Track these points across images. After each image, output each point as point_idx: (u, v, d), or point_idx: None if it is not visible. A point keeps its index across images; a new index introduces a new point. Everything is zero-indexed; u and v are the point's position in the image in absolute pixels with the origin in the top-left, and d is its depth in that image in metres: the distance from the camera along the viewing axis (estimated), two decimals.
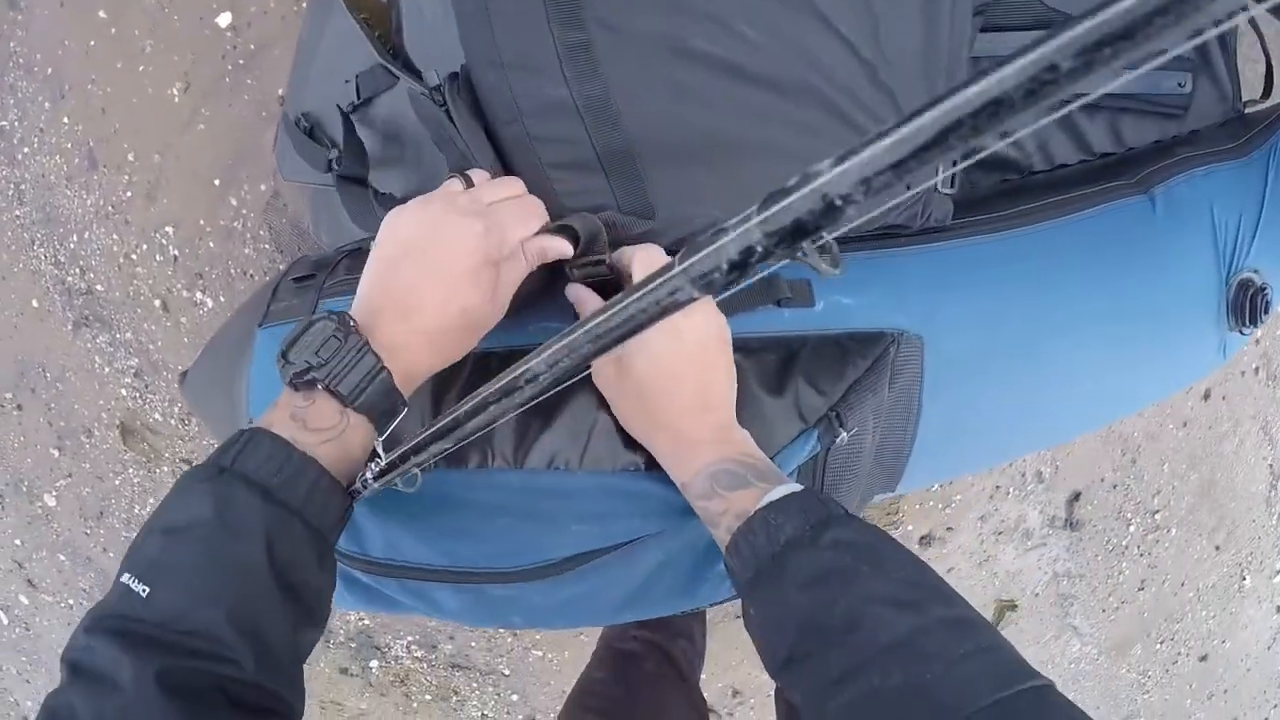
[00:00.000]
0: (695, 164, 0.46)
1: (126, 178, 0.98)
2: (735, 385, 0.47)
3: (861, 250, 0.57)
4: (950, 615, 0.35)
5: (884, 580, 0.36)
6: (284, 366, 0.41)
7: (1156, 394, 0.76)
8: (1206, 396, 1.15)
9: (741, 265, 0.22)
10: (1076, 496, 1.21)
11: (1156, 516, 1.26)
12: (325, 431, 0.40)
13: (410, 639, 1.27)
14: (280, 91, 0.90)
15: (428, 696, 1.33)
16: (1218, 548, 1.31)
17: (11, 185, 1.04)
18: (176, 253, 0.99)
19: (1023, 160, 0.72)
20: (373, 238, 0.47)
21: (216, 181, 0.95)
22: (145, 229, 0.99)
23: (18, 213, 1.05)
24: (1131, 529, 1.26)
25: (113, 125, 0.96)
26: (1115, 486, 1.21)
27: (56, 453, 1.19)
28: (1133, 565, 1.30)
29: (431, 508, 0.49)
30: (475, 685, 1.31)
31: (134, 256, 1.01)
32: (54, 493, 1.23)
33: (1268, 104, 0.71)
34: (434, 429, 0.38)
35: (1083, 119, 0.72)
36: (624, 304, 0.27)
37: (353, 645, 1.29)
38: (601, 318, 0.28)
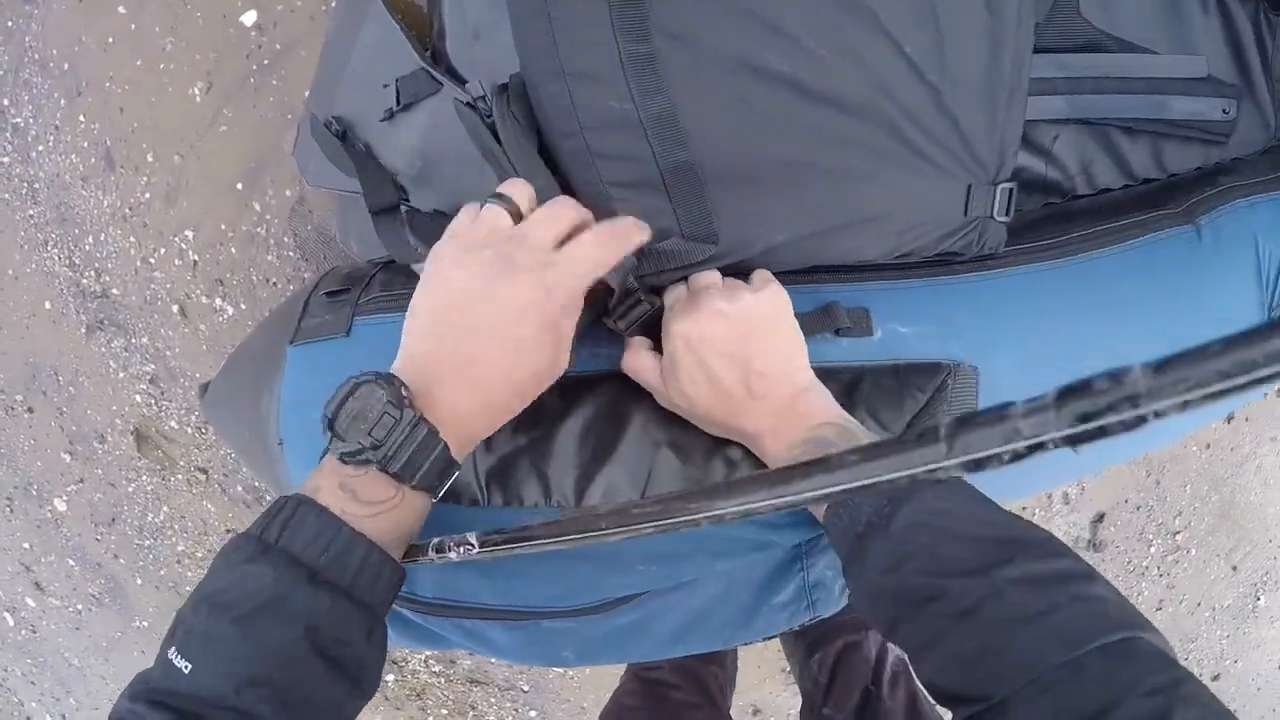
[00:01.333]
0: (759, 185, 0.45)
1: (145, 179, 0.96)
2: (797, 360, 0.46)
3: (917, 278, 0.56)
4: (1023, 574, 0.35)
5: (956, 548, 0.37)
6: (333, 440, 0.39)
7: (1195, 424, 0.75)
8: (1230, 419, 1.15)
9: (1024, 457, 0.21)
10: (1101, 518, 1.20)
11: (1177, 537, 1.25)
12: (378, 505, 0.39)
13: (429, 653, 1.26)
14: (306, 93, 0.89)
15: (444, 711, 1.32)
16: (1234, 568, 1.31)
17: (25, 184, 1.02)
18: (196, 258, 0.98)
19: (1066, 183, 0.71)
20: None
21: (239, 185, 0.93)
22: (164, 232, 0.97)
23: (31, 212, 1.03)
24: (1152, 550, 1.26)
25: (131, 125, 0.94)
26: (1139, 508, 1.21)
27: (68, 457, 1.18)
28: (1152, 586, 1.30)
29: None
30: (493, 701, 1.30)
31: (152, 260, 0.99)
32: (64, 497, 1.22)
33: None
34: (502, 538, 0.38)
35: (1125, 142, 0.71)
36: (870, 460, 0.26)
37: None
38: (840, 468, 0.27)
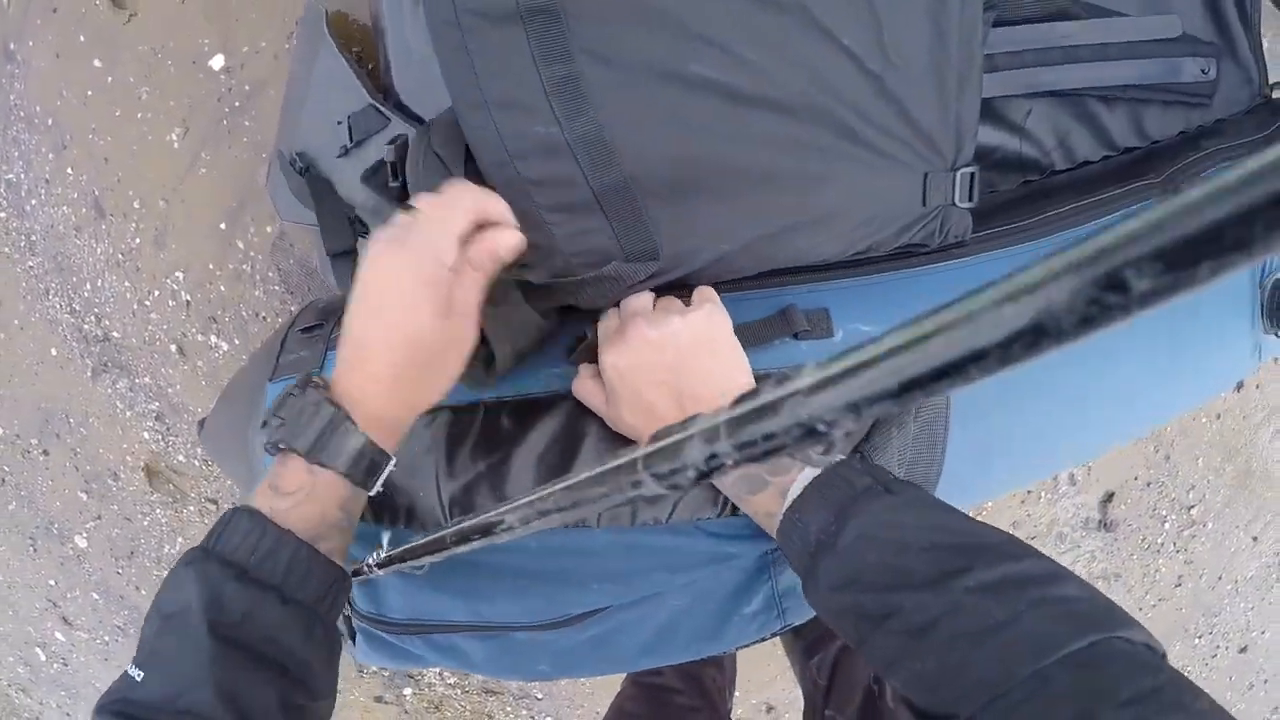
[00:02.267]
0: (699, 196, 0.44)
1: (134, 225, 0.98)
2: (732, 373, 0.45)
3: (879, 273, 0.55)
4: (980, 582, 0.34)
5: (909, 560, 0.36)
6: (260, 433, 0.41)
7: (1193, 402, 0.73)
8: (1240, 387, 1.11)
9: (707, 474, 0.20)
10: (1110, 497, 1.17)
11: (1192, 512, 1.22)
12: (295, 495, 0.40)
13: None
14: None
15: None
16: (1255, 539, 1.27)
17: (23, 237, 1.05)
18: (189, 298, 0.99)
19: (1043, 159, 0.69)
20: None
21: (222, 225, 0.95)
22: (156, 275, 0.99)
23: (31, 263, 1.06)
24: (1167, 526, 1.23)
25: (116, 174, 0.96)
26: (1149, 484, 1.18)
27: (85, 495, 1.21)
28: (1169, 562, 1.27)
29: (448, 570, 0.48)
30: (509, 710, 1.31)
31: (147, 303, 1.01)
32: (84, 534, 1.25)
33: None
34: (424, 542, 0.39)
35: (1103, 111, 0.68)
36: (581, 480, 0.26)
37: (385, 674, 1.29)
38: (560, 486, 0.27)
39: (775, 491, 0.42)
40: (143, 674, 0.36)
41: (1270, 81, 0.67)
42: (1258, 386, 1.10)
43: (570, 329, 0.51)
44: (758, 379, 0.48)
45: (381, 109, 0.59)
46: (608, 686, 1.24)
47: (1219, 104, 0.68)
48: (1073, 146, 0.69)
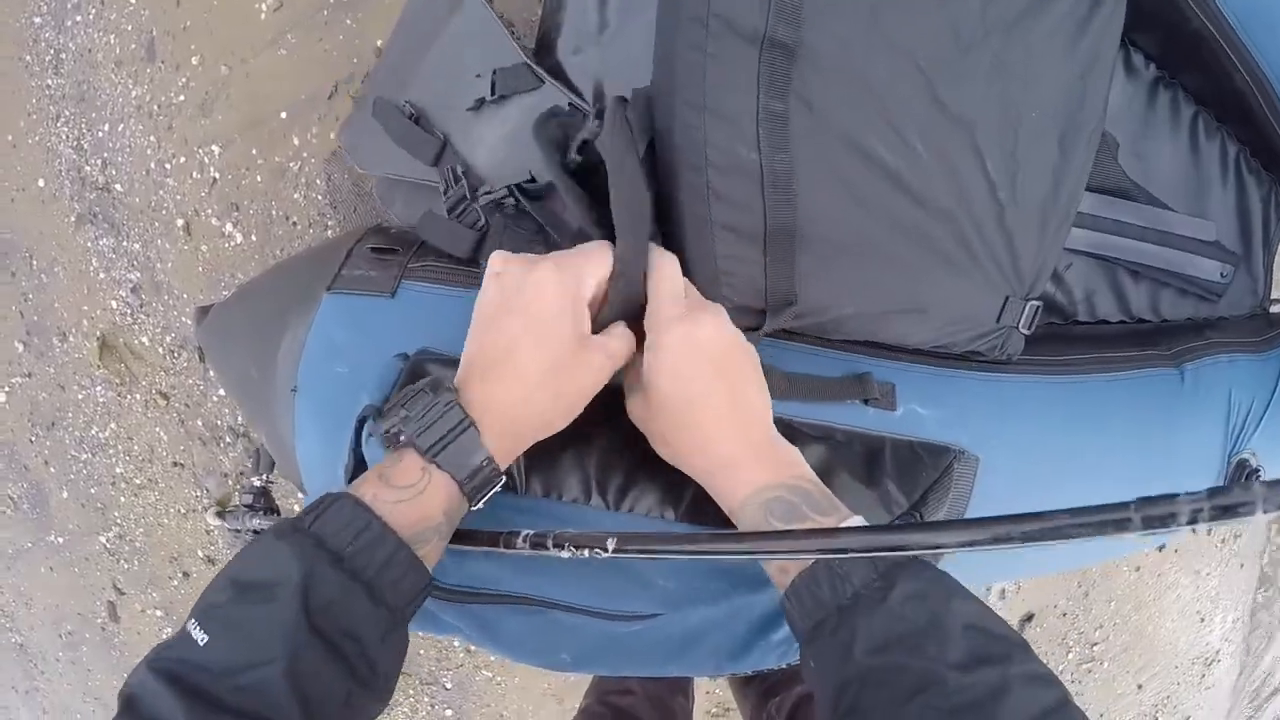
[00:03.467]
0: (842, 259, 0.49)
1: (184, 80, 0.92)
2: (769, 400, 0.46)
3: (941, 367, 0.61)
4: (1026, 671, 0.34)
5: (957, 637, 0.35)
6: (378, 422, 0.41)
7: (1123, 550, 0.82)
8: (1161, 548, 1.25)
9: (1187, 525, 0.26)
10: (1030, 618, 1.28)
11: (1095, 649, 1.34)
12: (406, 489, 0.40)
13: None
14: (379, 43, 0.88)
15: None
16: (1140, 686, 1.41)
17: (51, 51, 0.97)
18: (217, 175, 0.95)
19: (1069, 308, 0.77)
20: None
21: (283, 114, 0.91)
22: (189, 140, 0.94)
23: (50, 82, 0.98)
24: (1070, 656, 1.34)
25: (184, 20, 0.90)
26: (1065, 615, 1.29)
27: (20, 347, 1.12)
28: None
29: None
30: (411, 693, 1.28)
31: (168, 166, 0.96)
32: (6, 388, 1.15)
33: None
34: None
35: (1129, 283, 0.78)
36: (1062, 522, 0.30)
37: None
38: (1042, 523, 0.30)
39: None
40: (207, 638, 0.34)
41: (1271, 297, 0.78)
42: (1176, 550, 1.23)
43: None
44: (817, 430, 0.52)
45: (537, 70, 0.59)
46: (520, 692, 1.23)
47: (1224, 304, 0.78)
48: (1096, 305, 0.78)
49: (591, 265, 0.44)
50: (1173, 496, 0.26)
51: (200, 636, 0.34)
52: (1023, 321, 0.60)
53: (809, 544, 0.34)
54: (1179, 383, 0.70)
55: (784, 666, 0.52)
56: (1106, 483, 0.69)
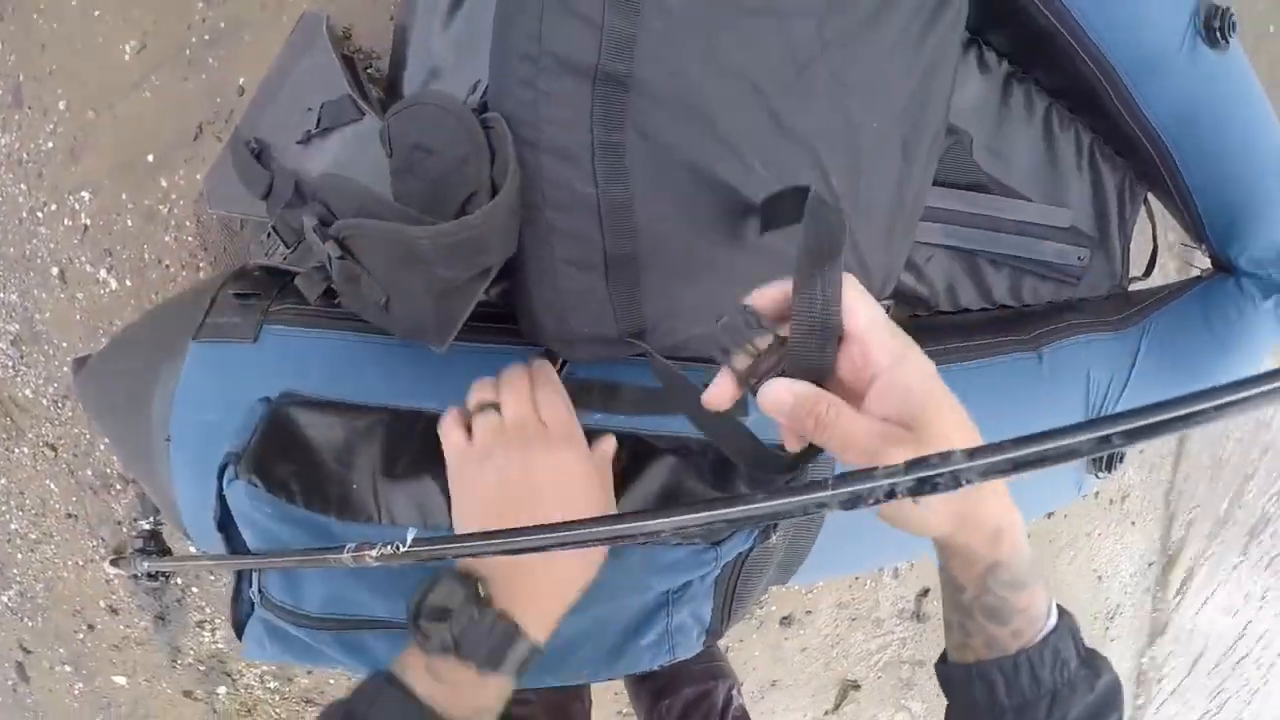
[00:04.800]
0: (684, 280, 0.49)
1: (51, 126, 0.89)
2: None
3: None
4: None
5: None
6: (417, 636, 0.41)
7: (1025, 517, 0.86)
8: (1050, 515, 1.31)
9: (885, 498, 0.27)
10: (925, 592, 1.32)
11: None
12: (461, 686, 0.41)
13: (265, 669, 1.20)
14: (241, 80, 0.86)
15: None
16: None
17: None
18: (89, 222, 0.92)
19: (931, 299, 0.80)
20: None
21: (150, 158, 0.89)
22: (59, 187, 0.90)
23: None
24: None
25: (50, 65, 0.87)
26: None
27: None
28: None
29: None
30: None
31: (40, 214, 0.92)
32: None
33: (1147, 284, 0.83)
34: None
35: (990, 271, 0.81)
36: (761, 497, 0.29)
37: (202, 669, 1.20)
38: (736, 508, 0.30)
39: (1045, 595, 0.40)
40: None
41: (1128, 277, 0.82)
42: (1065, 515, 1.30)
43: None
44: (670, 442, 0.54)
45: (359, 103, 0.59)
46: None
47: (1084, 286, 0.82)
48: (958, 294, 0.81)
49: (561, 407, 0.45)
50: (870, 471, 0.27)
51: None
52: None
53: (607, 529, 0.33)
54: (1038, 365, 0.74)
55: (662, 668, 0.53)
56: None
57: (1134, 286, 0.85)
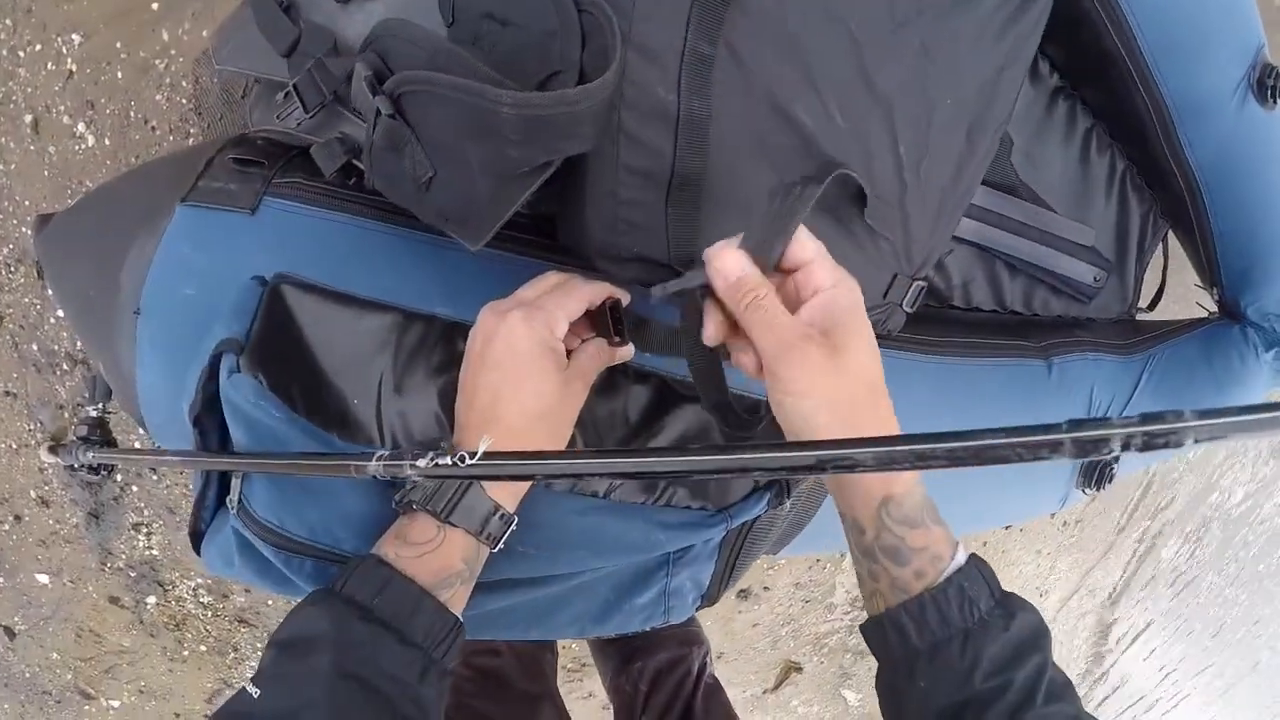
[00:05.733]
0: (741, 216, 0.47)
1: None
2: None
3: None
4: (1085, 714, 0.39)
5: (1049, 672, 0.39)
6: (390, 491, 0.43)
7: (1003, 519, 0.87)
8: (1008, 528, 1.34)
9: (1117, 454, 0.25)
10: None
11: None
12: (423, 545, 0.43)
13: (200, 582, 1.15)
14: None
15: (202, 648, 1.21)
16: None
17: None
18: (74, 67, 0.84)
19: (945, 291, 0.80)
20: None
21: (155, 5, 0.81)
22: (47, 26, 0.82)
23: None
24: None
25: None
26: None
27: None
28: None
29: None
30: (259, 646, 1.21)
31: (21, 53, 0.83)
32: None
33: (1152, 315, 0.85)
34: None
35: (1005, 275, 0.81)
36: (992, 441, 0.27)
37: (132, 574, 1.14)
38: (980, 441, 0.27)
39: (946, 536, 0.42)
40: (260, 692, 0.39)
41: (1138, 306, 0.84)
42: (1021, 530, 1.33)
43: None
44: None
45: None
46: None
47: (1094, 307, 0.83)
48: (972, 292, 0.81)
49: (558, 300, 0.45)
50: (1106, 419, 0.25)
51: (254, 691, 0.39)
52: (907, 299, 0.61)
53: (710, 460, 0.32)
54: (1046, 374, 0.74)
55: (647, 630, 0.51)
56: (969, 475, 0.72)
57: (1138, 317, 0.86)
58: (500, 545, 0.45)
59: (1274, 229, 0.77)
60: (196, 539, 0.54)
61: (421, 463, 0.38)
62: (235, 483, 0.49)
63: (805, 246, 0.41)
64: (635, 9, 0.40)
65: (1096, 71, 0.71)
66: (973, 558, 0.42)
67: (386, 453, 0.40)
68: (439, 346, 0.49)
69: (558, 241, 0.52)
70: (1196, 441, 0.24)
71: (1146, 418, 0.24)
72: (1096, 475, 0.75)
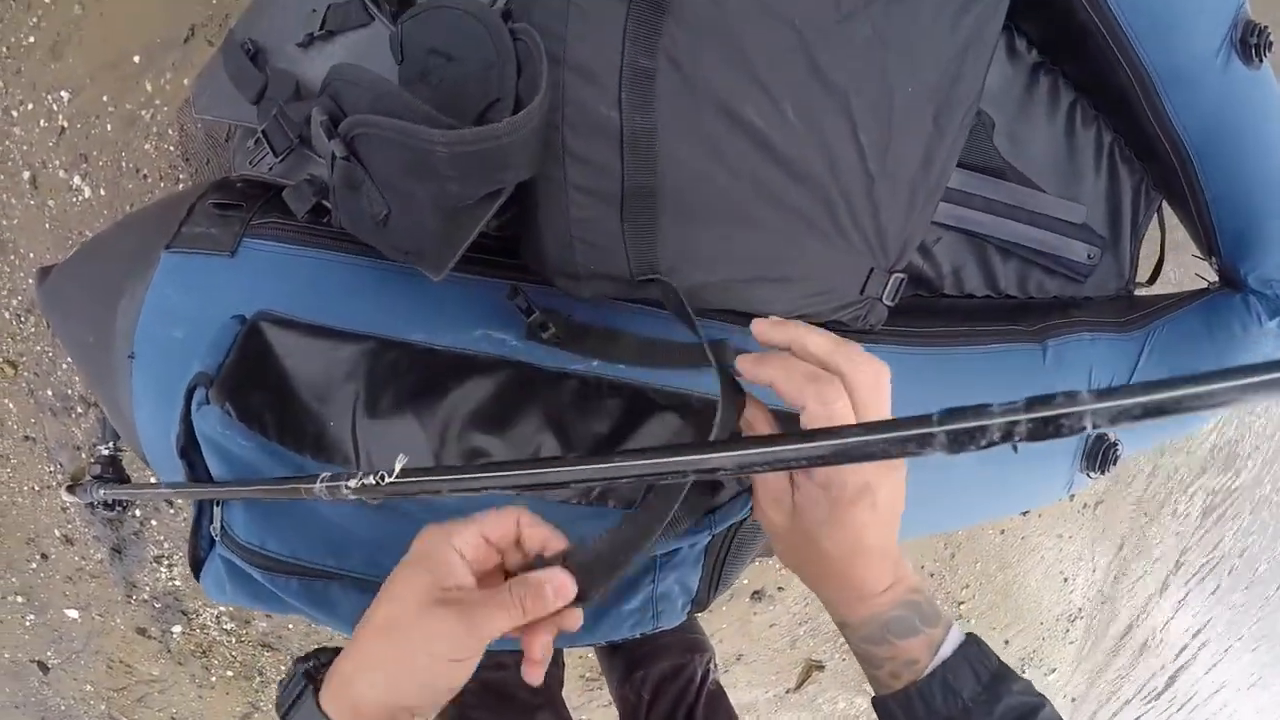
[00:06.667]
0: (702, 224, 0.47)
1: (35, 20, 0.84)
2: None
3: None
4: None
5: None
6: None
7: (1008, 511, 0.86)
8: (1025, 513, 1.32)
9: (997, 443, 0.24)
10: None
11: (961, 607, 1.41)
12: None
13: (223, 610, 1.18)
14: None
15: (229, 673, 1.24)
16: (1007, 642, 1.50)
17: None
18: (65, 124, 0.87)
19: (935, 281, 0.79)
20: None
21: (137, 59, 0.84)
22: (37, 86, 0.85)
23: None
24: None
25: None
26: (932, 575, 1.35)
27: None
28: None
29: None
30: (284, 669, 1.24)
31: (14, 113, 0.86)
32: None
33: (1151, 290, 0.83)
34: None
35: (997, 259, 0.80)
36: (858, 430, 0.26)
37: (158, 605, 1.17)
38: (806, 445, 0.27)
39: (925, 642, 0.43)
40: None
41: (1135, 281, 0.82)
42: (1039, 515, 1.31)
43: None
44: (671, 398, 0.51)
45: (369, 6, 0.55)
46: None
47: (1090, 285, 0.81)
48: (964, 279, 0.80)
49: (452, 547, 0.40)
50: (985, 406, 0.23)
51: None
52: (886, 293, 0.61)
53: (630, 465, 0.31)
54: (1041, 358, 0.73)
55: (639, 637, 0.51)
56: (970, 456, 0.71)
57: (1137, 293, 0.84)
58: None
59: (1269, 191, 0.74)
60: (196, 567, 0.55)
61: (353, 482, 0.37)
62: (216, 511, 0.50)
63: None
64: (568, 30, 0.40)
65: (1074, 45, 0.69)
66: (963, 646, 0.43)
67: (328, 475, 0.40)
68: (412, 370, 0.50)
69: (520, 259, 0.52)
70: (1096, 426, 0.22)
71: (1032, 402, 0.22)
72: (1100, 457, 0.74)
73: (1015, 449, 0.24)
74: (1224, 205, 0.75)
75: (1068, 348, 0.74)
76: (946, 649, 0.43)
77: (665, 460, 0.29)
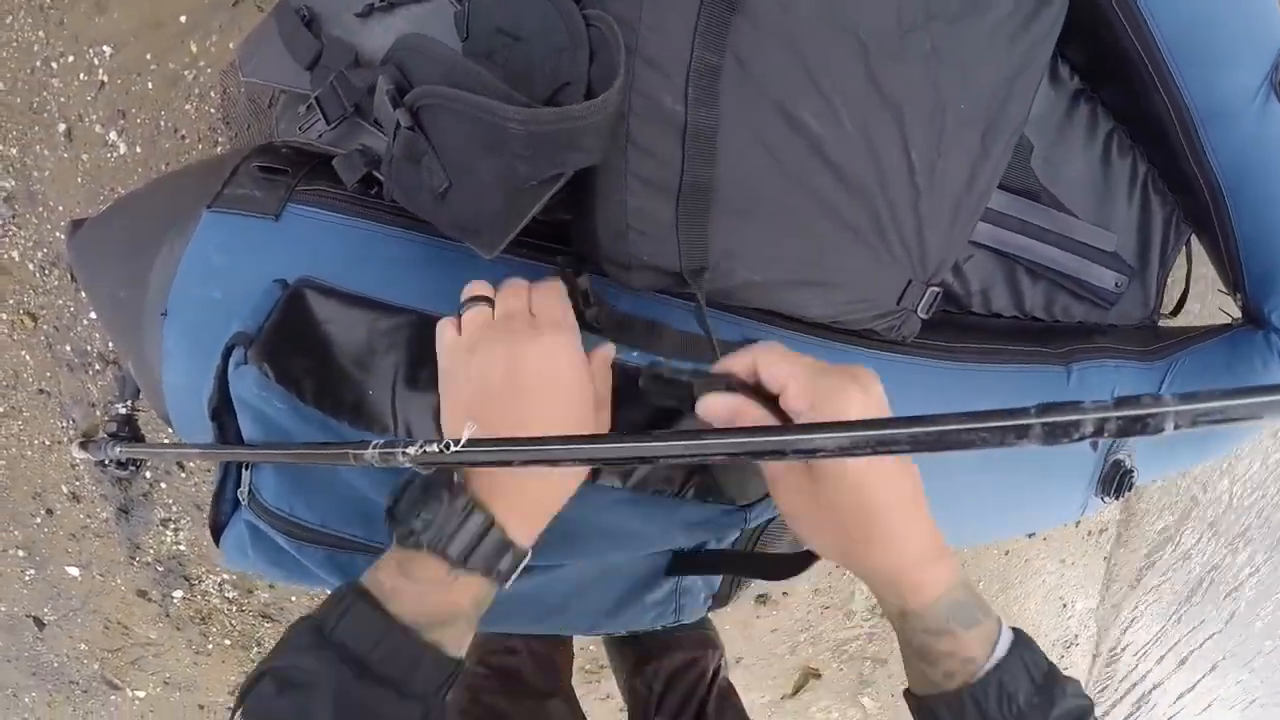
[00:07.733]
0: (753, 223, 0.48)
1: None
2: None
3: (834, 342, 0.61)
4: None
5: None
6: (391, 525, 0.39)
7: (1021, 529, 0.86)
8: (1031, 535, 1.32)
9: (1089, 437, 0.24)
10: None
11: None
12: (429, 583, 0.39)
13: (226, 577, 1.18)
14: None
15: (227, 641, 1.24)
16: None
17: None
18: (105, 79, 0.86)
19: (964, 298, 0.80)
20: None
21: (183, 18, 0.84)
22: (80, 38, 0.85)
23: None
24: None
25: None
26: None
27: None
28: None
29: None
30: None
31: (54, 65, 0.86)
32: None
33: (1175, 322, 0.83)
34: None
35: (1026, 281, 0.80)
36: (955, 426, 0.26)
37: (160, 569, 1.17)
38: (932, 426, 0.27)
39: (983, 636, 0.41)
40: None
41: (1160, 311, 0.82)
42: (1045, 539, 1.31)
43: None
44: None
45: None
46: None
47: (1115, 313, 0.82)
48: (992, 298, 0.80)
49: (564, 312, 0.43)
50: (1077, 403, 0.24)
51: None
52: (922, 306, 0.61)
53: (691, 445, 0.31)
54: (1064, 381, 0.73)
55: (658, 629, 0.51)
56: (989, 473, 0.72)
57: (1163, 325, 0.84)
58: (510, 583, 0.42)
59: None
60: (216, 532, 0.55)
61: (412, 450, 0.36)
62: (245, 474, 0.50)
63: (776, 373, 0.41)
64: (642, 21, 0.40)
65: (1116, 74, 0.70)
66: (1016, 644, 0.41)
67: (381, 441, 0.39)
68: None
69: (571, 246, 0.53)
70: (1177, 427, 0.23)
71: (1121, 401, 0.23)
72: (1116, 483, 0.74)
73: (1094, 446, 0.25)
74: (1252, 244, 0.76)
75: (1091, 372, 0.74)
76: (1001, 648, 0.41)
77: (762, 440, 0.29)
